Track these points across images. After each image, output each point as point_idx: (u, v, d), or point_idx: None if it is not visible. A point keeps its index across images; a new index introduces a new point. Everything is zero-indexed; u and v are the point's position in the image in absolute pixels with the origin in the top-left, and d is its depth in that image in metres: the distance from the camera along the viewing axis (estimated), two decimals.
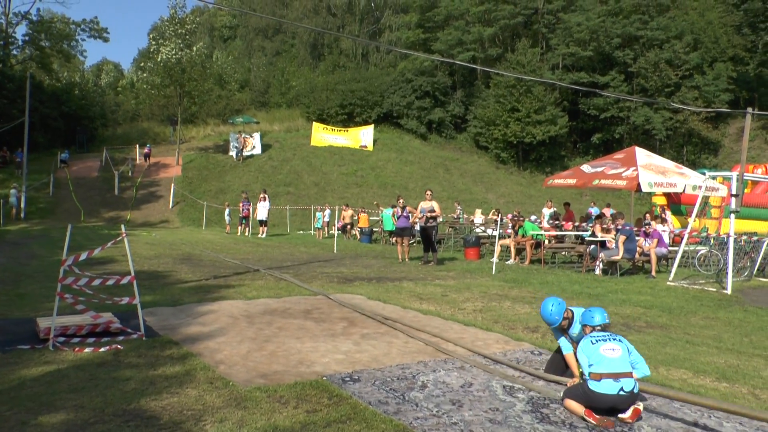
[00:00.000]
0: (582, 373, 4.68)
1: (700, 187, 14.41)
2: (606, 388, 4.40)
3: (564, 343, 5.26)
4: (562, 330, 5.25)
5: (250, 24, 69.07)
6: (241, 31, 72.68)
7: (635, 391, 4.45)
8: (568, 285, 11.49)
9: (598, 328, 4.82)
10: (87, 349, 6.02)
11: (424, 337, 6.91)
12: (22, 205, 29.92)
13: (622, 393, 4.39)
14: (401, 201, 15.99)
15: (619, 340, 4.67)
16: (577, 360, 4.82)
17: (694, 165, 40.71)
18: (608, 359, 4.50)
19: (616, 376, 4.42)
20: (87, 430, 3.99)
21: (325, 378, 5.23)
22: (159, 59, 38.31)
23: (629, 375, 4.47)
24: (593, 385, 4.44)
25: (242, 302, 8.89)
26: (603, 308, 5.07)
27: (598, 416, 4.34)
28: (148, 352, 5.98)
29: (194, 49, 39.62)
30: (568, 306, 5.28)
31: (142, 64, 44.87)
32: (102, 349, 6.04)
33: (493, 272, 13.19)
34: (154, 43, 40.72)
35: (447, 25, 53.53)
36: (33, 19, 47.86)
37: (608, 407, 4.40)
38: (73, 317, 6.84)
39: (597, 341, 4.64)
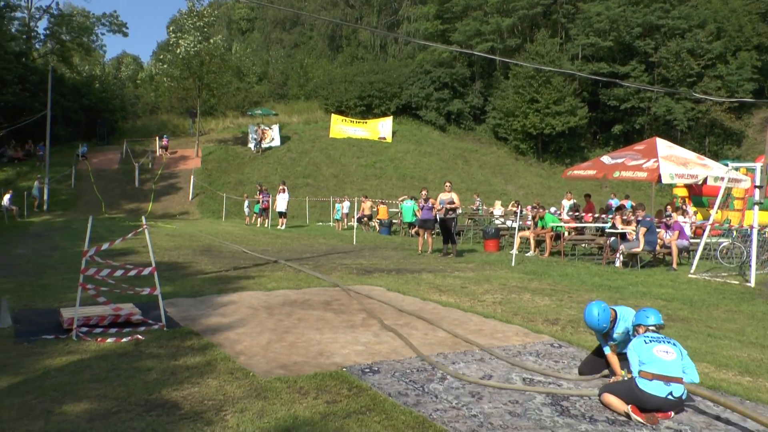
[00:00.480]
0: (630, 372, 4.62)
1: (722, 178, 14.22)
2: (656, 389, 4.31)
3: (606, 344, 5.18)
4: (606, 334, 5.16)
5: (267, 16, 69.20)
6: (259, 23, 72.84)
7: (683, 397, 4.38)
8: (588, 277, 11.40)
9: (652, 328, 4.76)
10: (109, 340, 6.10)
11: (444, 329, 6.91)
12: (45, 197, 30.34)
13: (670, 398, 4.31)
14: (425, 193, 15.95)
15: (674, 344, 4.59)
16: (627, 358, 4.73)
17: (716, 156, 40.14)
18: (661, 360, 4.42)
19: (667, 380, 4.33)
20: (110, 419, 4.04)
21: (344, 369, 5.25)
22: (178, 52, 38.54)
23: (680, 381, 4.37)
24: (643, 384, 4.35)
25: (262, 293, 8.93)
26: (656, 309, 5.00)
27: (643, 413, 4.25)
28: (169, 343, 6.04)
29: (212, 41, 39.76)
30: (609, 306, 5.15)
31: (161, 57, 45.10)
32: (124, 340, 6.10)
33: (513, 264, 13.13)
34: (173, 35, 40.95)
35: (465, 15, 53.22)
36: (54, 13, 48.49)
37: (653, 409, 4.30)
38: (95, 308, 6.92)
39: (650, 341, 4.58)
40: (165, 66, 41.96)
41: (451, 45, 48.29)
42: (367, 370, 5.25)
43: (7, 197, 26.21)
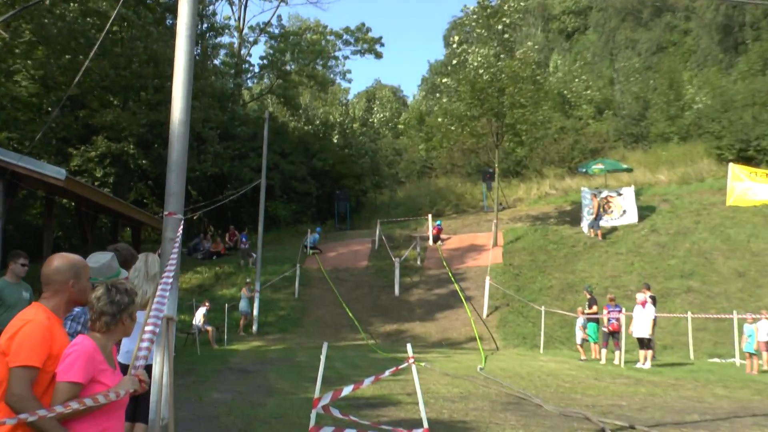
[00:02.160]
0: None
1: None
2: None
3: None
4: None
5: (609, 4, 70.28)
6: (594, 17, 74.28)
7: None
8: None
9: None
10: None
11: None
12: (255, 312, 33.16)
13: None
14: None
15: None
16: None
17: None
18: None
19: None
20: None
21: None
22: (463, 75, 40.13)
23: None
24: None
25: None
26: None
27: None
28: None
29: (520, 53, 40.92)
30: None
31: (442, 81, 46.74)
32: None
33: None
34: (457, 47, 42.96)
35: None
36: (273, 32, 54.11)
37: None
38: None
39: None
40: (443, 99, 44.05)
41: None
42: None
43: (200, 312, 29.22)
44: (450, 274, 37.15)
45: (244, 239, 41.42)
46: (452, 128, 42.83)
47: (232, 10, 57.04)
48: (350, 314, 33.44)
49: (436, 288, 36.84)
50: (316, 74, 55.23)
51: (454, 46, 43.85)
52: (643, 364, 24.10)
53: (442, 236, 42.13)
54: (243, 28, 55.33)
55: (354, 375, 15.22)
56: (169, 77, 8.63)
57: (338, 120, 59.03)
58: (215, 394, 16.02)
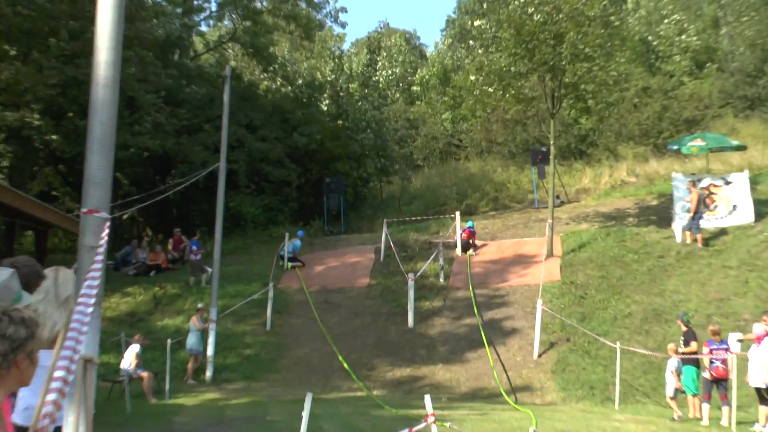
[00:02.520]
0: None
1: None
2: None
3: None
4: None
5: None
6: None
7: None
8: None
9: None
10: None
11: None
12: (209, 351, 32.31)
13: None
14: None
15: None
16: None
17: None
18: None
19: None
20: None
21: None
22: (504, 15, 39.29)
23: None
24: None
25: None
26: None
27: None
28: None
29: None
30: None
31: (475, 24, 46.10)
32: None
33: None
34: None
35: None
36: None
37: None
38: None
39: None
40: (477, 49, 43.25)
41: None
42: None
43: (132, 352, 28.28)
44: (473, 298, 36.57)
45: (194, 247, 40.91)
46: (490, 90, 42.28)
47: None
48: (339, 356, 32.61)
49: (467, 316, 36.02)
50: (298, 14, 54.93)
51: None
52: (764, 426, 23.31)
53: (476, 242, 41.64)
54: None
55: None
56: (92, 19, 8.23)
57: (329, 79, 58.98)
58: None
